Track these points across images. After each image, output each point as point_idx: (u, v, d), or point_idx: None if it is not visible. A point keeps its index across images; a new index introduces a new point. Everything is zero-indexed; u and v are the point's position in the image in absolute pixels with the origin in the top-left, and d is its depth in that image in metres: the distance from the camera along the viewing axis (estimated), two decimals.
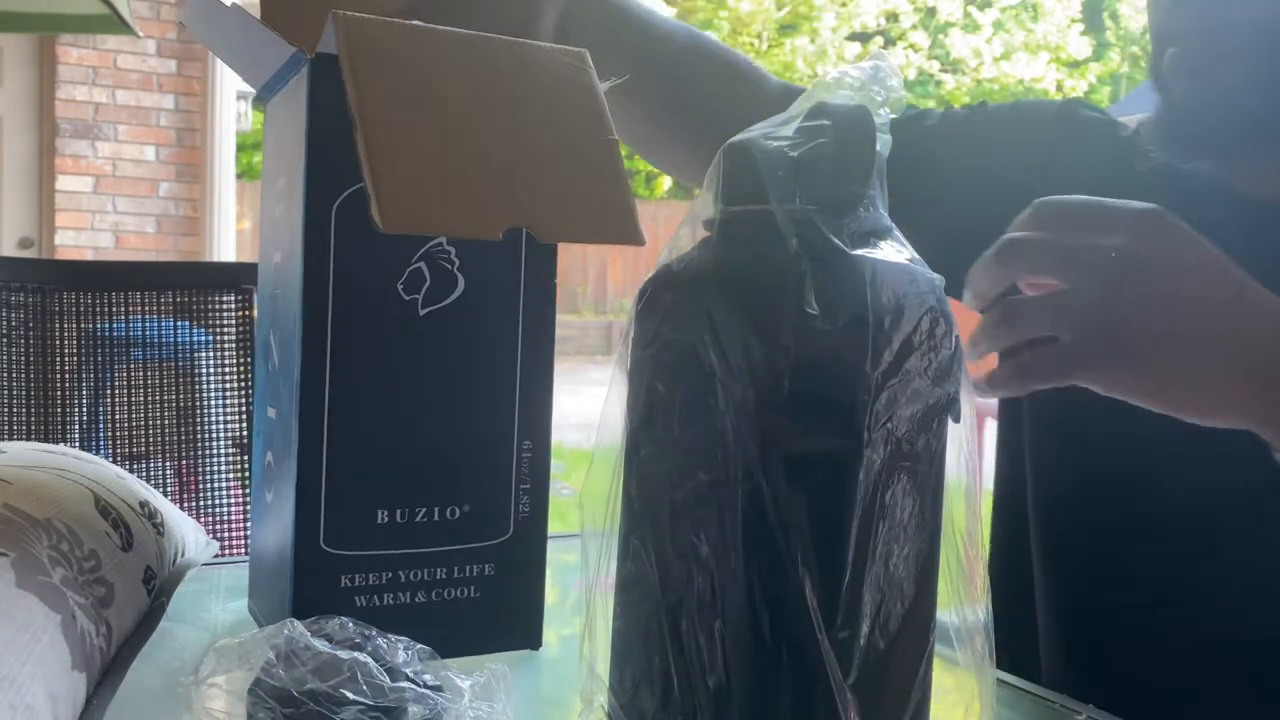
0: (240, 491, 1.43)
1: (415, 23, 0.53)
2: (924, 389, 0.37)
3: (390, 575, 0.55)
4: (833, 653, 0.36)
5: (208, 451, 1.42)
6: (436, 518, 0.56)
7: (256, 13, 0.55)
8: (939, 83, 12.35)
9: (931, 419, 0.38)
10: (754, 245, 0.39)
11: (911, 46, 12.36)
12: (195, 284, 1.42)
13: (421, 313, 0.54)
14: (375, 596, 0.55)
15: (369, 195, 0.45)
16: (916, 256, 0.40)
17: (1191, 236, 0.50)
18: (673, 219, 11.34)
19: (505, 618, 0.58)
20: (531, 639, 0.59)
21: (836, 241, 0.38)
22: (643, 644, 0.40)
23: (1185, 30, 0.62)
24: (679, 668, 0.38)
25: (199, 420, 1.43)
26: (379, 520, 0.55)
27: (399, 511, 0.55)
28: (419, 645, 0.43)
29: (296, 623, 0.41)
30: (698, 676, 0.37)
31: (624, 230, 0.52)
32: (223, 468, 1.42)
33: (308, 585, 0.54)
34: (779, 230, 0.38)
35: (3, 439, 1.33)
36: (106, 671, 0.51)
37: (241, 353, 1.42)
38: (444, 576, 0.56)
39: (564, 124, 0.53)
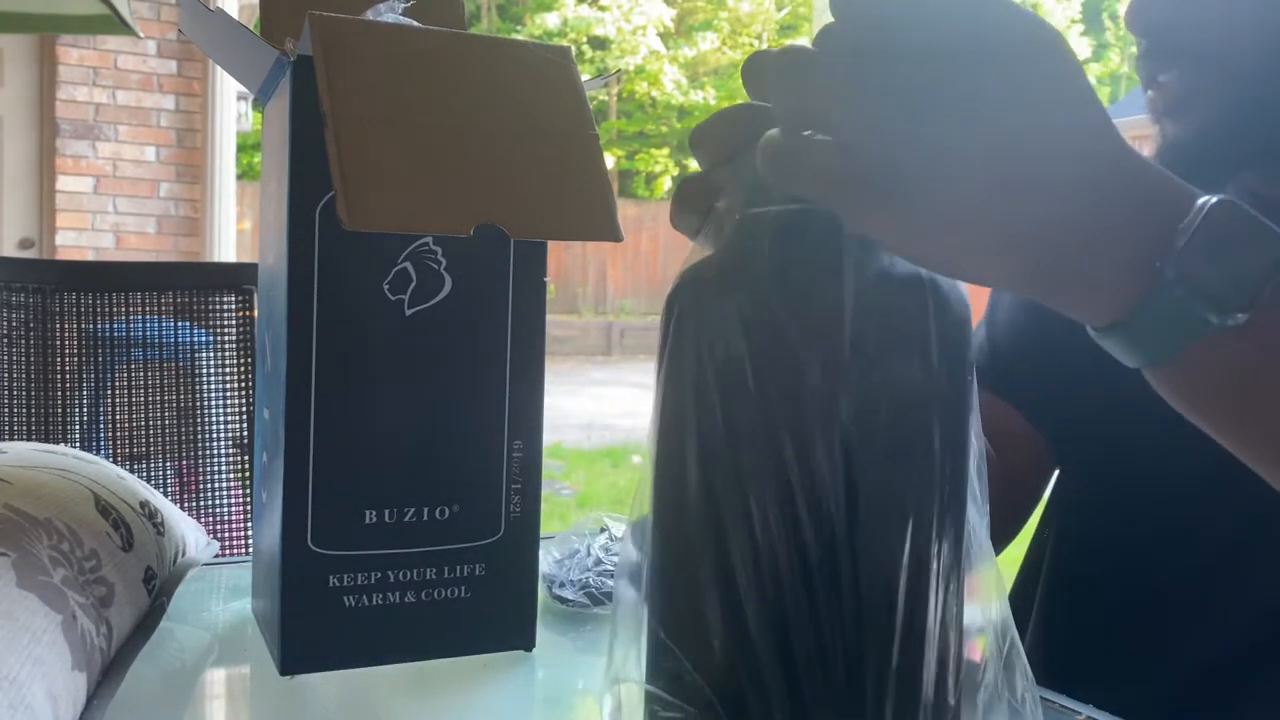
0: (240, 491, 1.43)
1: (393, 21, 0.53)
2: (967, 383, 0.38)
3: (379, 575, 0.55)
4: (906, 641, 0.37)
5: (208, 451, 1.42)
6: (425, 518, 0.56)
7: (255, 14, 0.55)
8: None
9: (964, 411, 0.39)
10: (811, 243, 0.39)
11: None
12: (195, 284, 1.42)
13: (408, 313, 0.55)
14: (364, 596, 0.55)
15: (336, 193, 0.46)
16: None
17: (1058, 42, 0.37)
18: None
19: (497, 618, 0.58)
20: (524, 640, 0.59)
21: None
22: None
23: (1157, 75, 0.64)
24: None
25: (199, 420, 1.43)
26: (367, 520, 0.55)
27: (387, 511, 0.55)
28: None
29: None
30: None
31: (601, 227, 0.52)
32: (223, 468, 1.42)
33: (295, 585, 0.54)
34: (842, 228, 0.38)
35: (3, 439, 1.33)
36: (106, 671, 0.51)
37: (241, 353, 1.42)
38: (434, 577, 0.56)
39: (543, 120, 0.53)
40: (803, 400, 0.36)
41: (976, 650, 0.41)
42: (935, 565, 0.38)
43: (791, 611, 0.36)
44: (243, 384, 1.42)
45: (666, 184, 12.13)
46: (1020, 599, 0.76)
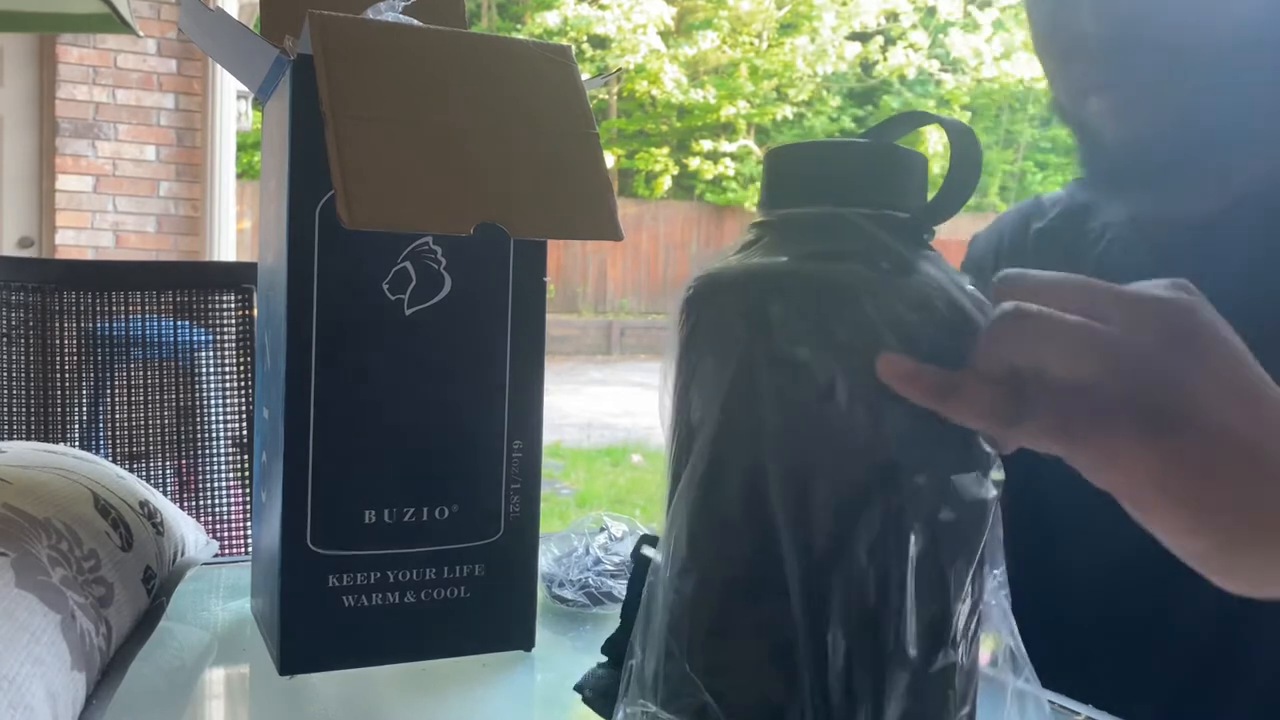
0: (240, 491, 1.43)
1: (393, 20, 0.53)
2: None
3: (379, 575, 0.55)
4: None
5: (208, 451, 1.42)
6: (425, 518, 0.56)
7: (255, 13, 0.55)
8: (939, 82, 12.35)
9: None
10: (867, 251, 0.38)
11: (911, 46, 12.35)
12: (195, 284, 1.42)
13: (408, 312, 0.55)
14: (364, 596, 0.55)
15: (336, 192, 0.46)
16: None
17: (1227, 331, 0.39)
18: (673, 219, 11.36)
19: (497, 618, 0.58)
20: (524, 640, 0.59)
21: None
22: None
23: (1109, 79, 0.66)
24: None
25: (199, 420, 1.43)
26: (367, 520, 0.55)
27: (387, 511, 0.55)
28: None
29: None
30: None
31: (602, 226, 0.52)
32: (223, 468, 1.42)
33: (294, 584, 0.54)
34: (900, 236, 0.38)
35: (3, 439, 1.33)
36: (106, 671, 0.51)
37: (241, 353, 1.42)
38: (433, 577, 0.56)
39: (543, 119, 0.53)
40: (856, 433, 0.36)
41: (983, 652, 0.41)
42: (971, 604, 0.38)
43: (830, 650, 0.36)
44: (243, 384, 1.42)
45: (666, 183, 12.12)
46: None
